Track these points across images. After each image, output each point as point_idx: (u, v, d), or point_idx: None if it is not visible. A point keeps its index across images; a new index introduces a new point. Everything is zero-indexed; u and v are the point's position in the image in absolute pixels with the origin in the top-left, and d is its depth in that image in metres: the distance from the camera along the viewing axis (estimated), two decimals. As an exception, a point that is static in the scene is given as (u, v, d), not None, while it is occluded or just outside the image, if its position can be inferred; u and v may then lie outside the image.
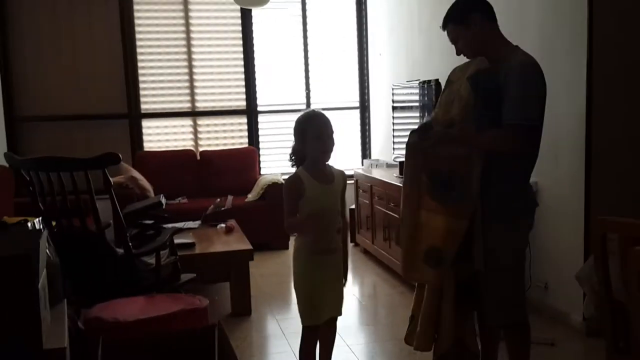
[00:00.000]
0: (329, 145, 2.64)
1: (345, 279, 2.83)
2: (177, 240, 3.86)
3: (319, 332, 2.77)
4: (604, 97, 3.42)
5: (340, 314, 2.81)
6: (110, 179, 3.12)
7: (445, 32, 2.62)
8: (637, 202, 3.21)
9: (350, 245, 5.97)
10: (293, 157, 2.69)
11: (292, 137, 2.69)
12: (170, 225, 4.18)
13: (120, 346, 2.27)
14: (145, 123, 6.65)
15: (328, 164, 2.72)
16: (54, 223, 3.12)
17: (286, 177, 2.74)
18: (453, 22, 2.56)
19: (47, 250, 2.15)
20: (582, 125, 3.48)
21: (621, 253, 2.04)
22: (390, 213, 4.89)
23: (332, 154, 2.69)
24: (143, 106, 6.60)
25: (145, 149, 6.60)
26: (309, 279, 2.67)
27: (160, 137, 6.70)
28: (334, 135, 2.66)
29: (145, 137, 6.66)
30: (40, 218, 2.35)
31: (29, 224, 2.16)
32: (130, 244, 3.19)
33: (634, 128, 3.47)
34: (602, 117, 3.43)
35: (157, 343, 2.34)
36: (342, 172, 2.77)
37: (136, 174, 5.89)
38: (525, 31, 3.93)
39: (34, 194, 3.16)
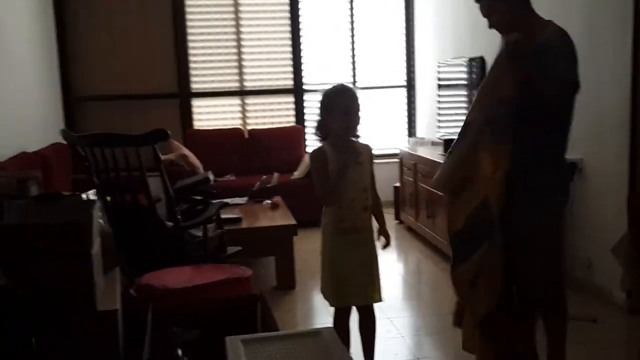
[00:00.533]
0: (355, 121, 2.59)
1: (388, 242, 2.78)
2: (224, 215, 4.02)
3: (349, 314, 2.73)
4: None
5: (372, 302, 2.71)
6: (161, 156, 3.26)
7: (479, 4, 2.53)
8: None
9: (394, 221, 6.03)
10: (318, 132, 2.66)
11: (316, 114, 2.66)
12: (217, 201, 4.33)
13: (168, 312, 2.41)
14: (195, 102, 6.83)
15: (353, 140, 2.66)
16: (108, 198, 3.30)
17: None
18: None
19: (101, 220, 2.30)
20: (627, 102, 3.43)
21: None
22: (434, 191, 4.91)
23: (361, 130, 2.66)
24: (193, 85, 6.77)
25: (195, 128, 6.78)
26: (334, 259, 2.64)
27: (209, 115, 6.87)
28: (360, 112, 2.62)
29: (195, 116, 6.84)
30: (94, 190, 2.51)
31: (84, 196, 2.31)
32: (179, 217, 3.34)
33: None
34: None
35: (202, 310, 2.48)
36: (367, 147, 2.70)
37: (186, 151, 6.07)
38: (570, 6, 3.88)
39: (89, 169, 3.35)
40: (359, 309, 2.77)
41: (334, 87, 2.68)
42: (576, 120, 3.91)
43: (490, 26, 2.52)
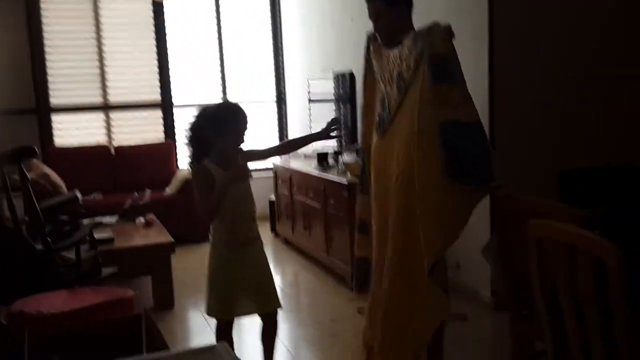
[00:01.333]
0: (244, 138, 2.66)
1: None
2: (95, 236, 3.82)
3: (232, 326, 2.75)
4: (505, 74, 3.68)
5: (274, 309, 2.76)
6: (27, 173, 3.06)
7: (367, 5, 2.54)
8: (538, 182, 3.47)
9: (270, 234, 6.06)
10: (197, 148, 2.63)
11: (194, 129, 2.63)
12: (89, 220, 4.12)
13: (47, 338, 2.26)
14: (55, 118, 6.45)
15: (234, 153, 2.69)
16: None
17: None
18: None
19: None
20: (485, 112, 3.70)
21: (521, 227, 2.23)
22: (309, 203, 5.01)
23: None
24: (52, 100, 6.40)
25: (56, 145, 6.41)
26: (228, 274, 2.63)
27: (71, 132, 6.52)
28: None
29: (55, 132, 6.47)
30: (-44, 213, 2.31)
31: (-54, 219, 2.12)
32: (49, 239, 3.14)
33: (530, 114, 3.74)
34: (504, 94, 3.69)
35: (83, 334, 2.34)
36: (243, 153, 2.74)
37: (48, 170, 5.72)
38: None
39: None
40: (262, 318, 2.80)
41: (225, 106, 2.73)
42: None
43: (375, 30, 2.58)
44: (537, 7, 3.71)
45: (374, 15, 2.54)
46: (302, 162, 5.70)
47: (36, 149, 3.07)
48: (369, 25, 2.65)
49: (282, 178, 5.72)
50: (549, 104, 3.77)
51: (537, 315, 2.25)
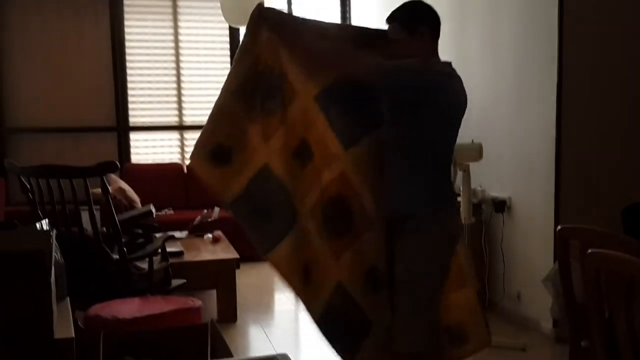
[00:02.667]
0: None
1: None
2: (166, 249, 4.02)
3: None
4: (572, 116, 3.66)
5: None
6: (108, 187, 3.28)
7: (387, 26, 2.47)
8: (602, 214, 3.44)
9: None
10: None
11: None
12: (159, 234, 4.33)
13: (120, 342, 2.42)
14: (133, 136, 6.80)
15: None
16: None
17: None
18: (401, 23, 2.42)
19: (54, 250, 2.31)
20: (552, 142, 3.71)
21: (581, 258, 2.25)
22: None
23: None
24: (131, 119, 6.76)
25: (133, 162, 6.74)
26: None
27: (147, 149, 6.86)
28: None
29: (132, 150, 6.80)
30: (47, 221, 2.51)
31: (37, 225, 2.32)
32: (125, 249, 3.35)
33: (600, 143, 3.72)
34: (571, 133, 3.67)
35: (154, 339, 2.50)
36: None
37: (124, 185, 6.03)
38: (501, 60, 4.19)
39: (34, 201, 3.32)
40: None
41: None
42: (505, 161, 4.21)
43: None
44: (607, 40, 3.70)
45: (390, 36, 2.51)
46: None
47: (117, 164, 3.28)
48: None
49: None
50: (616, 137, 3.75)
51: (596, 345, 2.25)
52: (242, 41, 2.43)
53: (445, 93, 2.33)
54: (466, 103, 2.43)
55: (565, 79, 3.63)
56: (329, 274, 2.46)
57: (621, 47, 3.71)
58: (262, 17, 2.39)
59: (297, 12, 7.05)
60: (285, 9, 7.00)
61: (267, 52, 2.38)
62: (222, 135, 2.34)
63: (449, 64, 2.43)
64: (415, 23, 2.39)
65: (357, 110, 2.46)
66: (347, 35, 2.54)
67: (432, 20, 2.45)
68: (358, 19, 6.97)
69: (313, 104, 2.41)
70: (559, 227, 2.48)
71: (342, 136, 2.42)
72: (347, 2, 7.19)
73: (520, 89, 4.02)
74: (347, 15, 7.21)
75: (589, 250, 2.00)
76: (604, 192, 3.71)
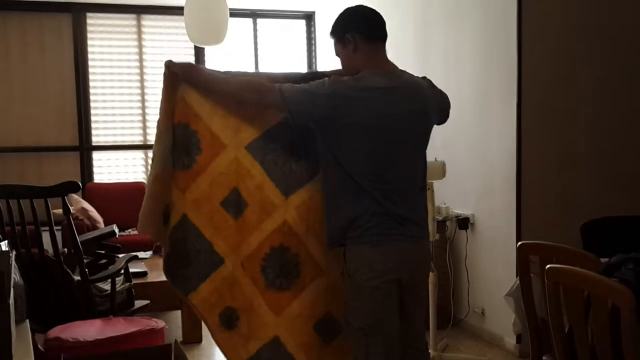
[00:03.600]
0: None
1: None
2: (130, 269, 3.96)
3: None
4: (532, 133, 3.75)
5: None
6: (70, 207, 3.23)
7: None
8: (562, 230, 3.51)
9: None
10: None
11: None
12: (122, 255, 4.26)
13: (81, 364, 2.37)
14: (96, 155, 6.71)
15: None
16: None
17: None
18: (334, 37, 2.35)
19: (13, 272, 2.26)
20: (513, 159, 3.78)
21: (541, 273, 2.29)
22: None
23: None
24: (94, 139, 6.67)
25: (96, 181, 6.65)
26: None
27: (110, 169, 6.77)
28: None
29: (95, 169, 6.72)
30: (7, 242, 2.46)
31: (-4, 247, 2.28)
32: (86, 270, 3.29)
33: (560, 160, 3.82)
34: (531, 151, 3.76)
35: (116, 361, 2.45)
36: None
37: (86, 205, 5.94)
38: (463, 80, 4.27)
39: (-8, 221, 3.25)
40: None
41: None
42: (468, 178, 4.28)
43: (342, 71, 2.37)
44: (565, 59, 3.81)
45: (335, 51, 2.41)
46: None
47: (79, 184, 3.24)
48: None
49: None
50: (575, 154, 3.85)
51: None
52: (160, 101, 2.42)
53: (355, 110, 2.16)
54: (412, 112, 2.24)
55: (525, 97, 3.72)
56: (266, 327, 2.42)
57: (581, 64, 3.82)
58: (173, 73, 2.38)
59: (262, 37, 7.10)
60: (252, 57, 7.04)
61: (180, 107, 2.38)
62: (162, 202, 2.38)
63: (390, 73, 2.26)
64: (343, 32, 2.29)
65: (294, 154, 2.40)
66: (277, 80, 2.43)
67: (358, 23, 2.30)
68: (323, 40, 7.05)
69: (245, 154, 2.38)
70: (519, 243, 2.53)
71: (281, 184, 2.38)
72: (313, 23, 7.26)
73: (482, 107, 4.10)
74: (313, 36, 7.28)
75: (548, 266, 2.04)
76: (564, 209, 3.80)
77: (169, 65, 2.38)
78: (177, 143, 2.38)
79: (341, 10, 2.37)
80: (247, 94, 2.29)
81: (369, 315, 2.19)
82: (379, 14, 2.35)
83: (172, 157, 2.38)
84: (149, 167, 2.43)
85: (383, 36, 2.33)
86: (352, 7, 2.37)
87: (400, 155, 2.24)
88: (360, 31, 2.27)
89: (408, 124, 2.24)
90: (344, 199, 2.23)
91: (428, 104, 2.33)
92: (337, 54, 2.37)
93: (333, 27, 2.34)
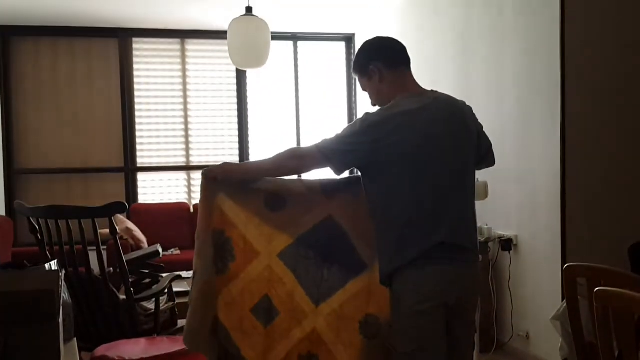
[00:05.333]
0: None
1: None
2: (173, 289, 4.02)
3: None
4: (577, 152, 3.68)
5: None
6: (116, 227, 3.30)
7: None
8: (610, 252, 3.43)
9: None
10: None
11: None
12: (166, 274, 4.32)
13: (127, 382, 2.41)
14: (141, 176, 6.86)
15: None
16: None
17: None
18: (357, 72, 2.37)
19: (62, 291, 2.32)
20: (557, 178, 3.71)
21: (589, 296, 2.24)
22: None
23: None
24: (139, 160, 6.83)
25: (140, 202, 6.78)
26: None
27: (155, 190, 6.91)
28: None
29: (140, 190, 6.86)
30: (55, 261, 2.53)
31: (47, 266, 2.34)
32: (131, 289, 3.35)
33: (606, 180, 3.73)
34: (576, 170, 3.67)
35: (161, 380, 2.48)
36: None
37: (131, 225, 6.06)
38: (505, 97, 4.24)
39: (42, 241, 3.34)
40: None
41: None
42: (511, 198, 4.22)
43: (373, 103, 2.38)
44: (609, 75, 3.75)
45: (362, 88, 2.43)
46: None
47: (126, 205, 3.31)
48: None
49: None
50: (622, 173, 3.76)
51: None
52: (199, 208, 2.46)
53: (394, 138, 2.14)
54: (451, 124, 2.23)
55: (568, 116, 3.66)
56: None
57: (625, 80, 3.75)
58: (210, 180, 2.40)
59: (303, 60, 7.18)
60: (292, 80, 7.12)
61: (216, 215, 2.40)
62: (210, 316, 2.41)
63: (412, 97, 2.24)
64: (366, 64, 2.31)
65: (326, 260, 2.41)
66: (314, 186, 2.47)
67: (379, 53, 2.32)
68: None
69: (277, 262, 2.39)
70: (566, 265, 2.48)
71: (312, 293, 2.39)
72: (352, 45, 7.32)
73: (525, 127, 4.05)
74: (352, 58, 7.32)
75: (597, 289, 1.99)
76: (611, 229, 3.70)
77: (206, 174, 2.41)
78: (215, 249, 2.40)
79: (379, 34, 2.40)
80: (288, 162, 2.30)
81: (415, 340, 2.16)
82: (396, 40, 2.37)
83: (214, 268, 2.40)
84: (194, 250, 2.41)
85: (406, 60, 2.34)
86: (369, 40, 2.38)
87: (449, 174, 2.21)
88: (383, 59, 2.29)
89: (450, 140, 2.21)
90: (394, 233, 2.19)
91: (465, 114, 2.31)
92: (364, 89, 2.38)
93: (355, 63, 2.36)
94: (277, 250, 2.40)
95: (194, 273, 2.39)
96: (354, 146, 2.18)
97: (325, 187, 2.43)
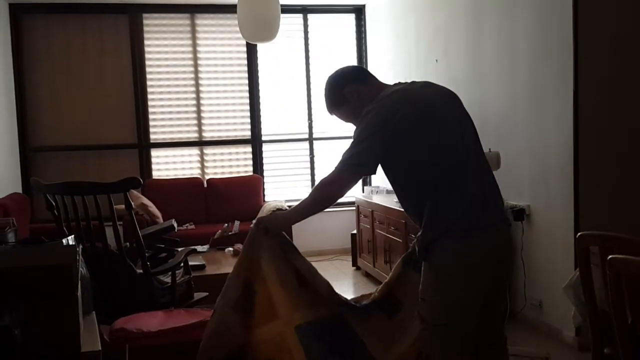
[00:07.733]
0: None
1: None
2: (188, 262, 4.07)
3: None
4: (590, 121, 3.66)
5: None
6: (131, 202, 3.34)
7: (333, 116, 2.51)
8: (622, 220, 3.43)
9: (351, 268, 6.16)
10: None
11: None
12: (181, 248, 4.38)
13: (145, 353, 2.46)
14: (154, 152, 6.90)
15: None
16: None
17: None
18: (336, 106, 2.45)
19: (80, 265, 2.36)
20: (570, 148, 3.70)
21: (602, 264, 2.25)
22: (391, 236, 5.10)
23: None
24: (152, 136, 6.87)
25: (154, 177, 6.84)
26: None
27: (168, 165, 6.95)
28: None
29: (154, 166, 6.91)
30: (73, 237, 2.57)
31: (64, 241, 2.38)
32: (148, 263, 3.40)
33: (619, 149, 3.71)
34: (589, 139, 3.66)
35: (179, 350, 2.53)
36: None
37: (146, 201, 6.11)
38: (517, 68, 4.20)
39: (59, 217, 3.39)
40: None
41: None
42: (523, 168, 4.21)
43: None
44: (624, 44, 3.70)
45: (342, 119, 2.51)
46: (383, 197, 5.81)
47: (141, 180, 3.34)
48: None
49: (364, 212, 5.84)
50: (636, 142, 3.73)
51: (620, 353, 2.24)
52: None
53: (397, 113, 2.21)
54: (442, 97, 2.33)
55: (582, 85, 3.63)
56: None
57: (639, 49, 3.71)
58: (260, 229, 2.42)
59: (313, 32, 7.14)
60: (302, 53, 7.08)
61: (253, 265, 2.41)
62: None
63: (395, 85, 2.38)
64: (341, 93, 2.41)
65: (335, 353, 2.37)
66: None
67: (346, 77, 2.44)
68: (373, 33, 7.03)
69: (292, 333, 2.34)
70: (579, 234, 2.48)
71: None
72: (363, 17, 7.25)
73: (537, 96, 4.02)
74: (363, 29, 7.28)
75: (610, 257, 2.00)
76: (624, 198, 3.69)
77: (257, 224, 2.44)
78: (239, 298, 2.40)
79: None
80: (323, 192, 2.32)
81: (449, 311, 2.19)
82: (353, 65, 2.49)
83: (232, 316, 2.38)
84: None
85: (370, 74, 2.48)
86: (329, 79, 2.47)
87: (462, 138, 2.26)
88: (352, 80, 2.41)
89: (448, 108, 2.29)
90: (426, 204, 2.21)
91: (448, 91, 2.40)
92: (347, 118, 2.44)
93: (329, 100, 2.46)
94: (296, 322, 2.36)
95: (215, 307, 2.44)
96: (371, 139, 2.22)
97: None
